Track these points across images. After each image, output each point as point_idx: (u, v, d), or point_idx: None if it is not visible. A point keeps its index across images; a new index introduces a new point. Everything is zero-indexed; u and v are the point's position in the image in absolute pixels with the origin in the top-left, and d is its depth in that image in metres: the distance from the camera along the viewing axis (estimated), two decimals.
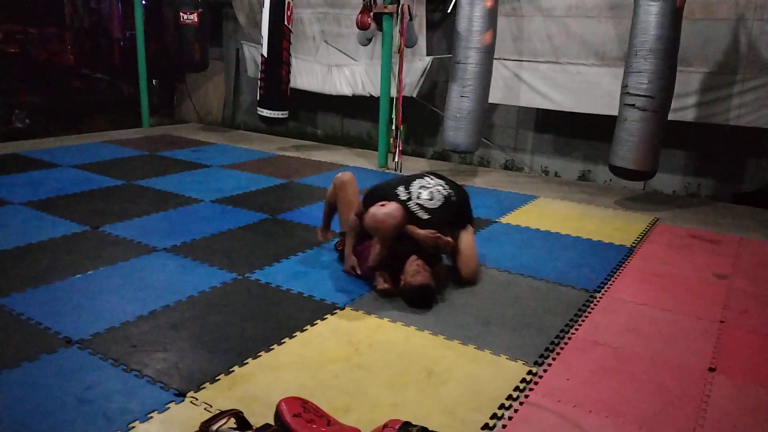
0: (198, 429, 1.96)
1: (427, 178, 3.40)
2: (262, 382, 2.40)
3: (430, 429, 1.92)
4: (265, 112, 6.87)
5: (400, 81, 6.05)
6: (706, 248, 4.18)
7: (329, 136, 8.18)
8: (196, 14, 7.71)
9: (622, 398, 2.37)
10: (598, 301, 3.26)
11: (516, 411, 2.27)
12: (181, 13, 7.70)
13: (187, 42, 7.89)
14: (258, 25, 7.86)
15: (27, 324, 2.79)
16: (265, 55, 6.67)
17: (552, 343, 2.79)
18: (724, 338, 2.89)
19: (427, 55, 6.81)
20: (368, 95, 7.25)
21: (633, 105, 4.71)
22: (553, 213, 4.92)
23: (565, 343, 2.79)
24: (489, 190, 5.56)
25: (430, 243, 3.16)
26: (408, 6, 5.95)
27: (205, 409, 2.21)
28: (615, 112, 4.99)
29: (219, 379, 2.40)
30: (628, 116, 4.76)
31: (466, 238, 3.40)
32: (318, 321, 2.93)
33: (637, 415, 2.27)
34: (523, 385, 2.44)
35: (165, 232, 4.09)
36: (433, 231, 3.14)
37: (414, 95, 6.89)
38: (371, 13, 6.03)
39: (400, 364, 2.57)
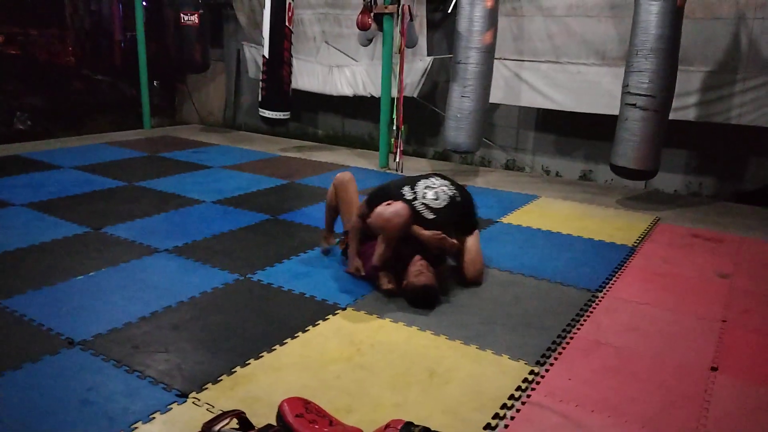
0: (200, 430, 1.96)
1: (432, 179, 3.40)
2: (264, 382, 2.41)
3: (432, 429, 1.92)
4: (267, 113, 6.87)
5: (400, 81, 6.05)
6: (707, 247, 4.17)
7: (330, 136, 8.18)
8: (196, 15, 7.72)
9: (624, 398, 2.37)
10: (599, 301, 3.26)
11: (518, 411, 2.27)
12: (182, 14, 7.71)
13: (187, 43, 7.90)
14: (259, 26, 7.87)
15: (29, 325, 2.80)
16: (267, 56, 6.68)
17: (554, 342, 2.79)
18: (726, 337, 2.89)
19: (428, 55, 6.81)
20: (369, 95, 7.25)
21: (634, 104, 4.71)
22: (554, 213, 4.92)
23: (567, 343, 2.79)
24: (490, 190, 5.56)
25: (435, 244, 3.16)
26: (408, 6, 5.95)
27: (207, 409, 2.21)
28: (616, 112, 4.98)
29: (221, 380, 2.41)
30: (629, 116, 4.76)
31: (472, 240, 3.40)
32: (320, 321, 2.93)
33: (639, 414, 2.27)
34: (525, 384, 2.44)
35: (166, 233, 4.10)
36: (438, 232, 3.14)
37: (415, 95, 6.89)
38: (372, 14, 6.03)
39: (402, 364, 2.58)
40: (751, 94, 5.10)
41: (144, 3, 8.03)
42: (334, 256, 3.77)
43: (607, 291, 3.40)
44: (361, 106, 7.74)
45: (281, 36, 6.62)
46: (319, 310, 3.04)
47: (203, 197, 5.01)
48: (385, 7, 5.95)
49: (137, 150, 6.85)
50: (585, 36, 5.75)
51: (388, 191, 3.30)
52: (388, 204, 3.10)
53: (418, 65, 6.78)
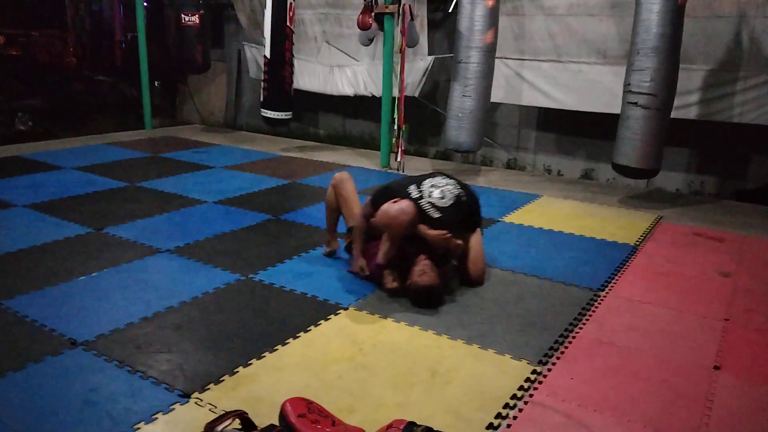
0: (203, 430, 1.96)
1: (437, 178, 3.39)
2: (266, 382, 2.41)
3: (435, 429, 1.92)
4: (269, 114, 6.88)
5: (401, 81, 6.05)
6: (710, 246, 4.17)
7: (331, 136, 8.18)
8: (197, 16, 7.72)
9: (627, 397, 2.37)
10: (602, 300, 3.26)
11: (520, 410, 2.27)
12: (183, 15, 7.71)
13: (188, 43, 7.90)
14: (259, 26, 7.87)
15: (32, 326, 2.80)
16: (268, 56, 6.68)
17: (556, 342, 2.79)
18: (729, 336, 2.89)
19: (429, 54, 6.80)
20: (370, 95, 7.25)
21: (635, 103, 4.70)
22: (556, 212, 4.92)
23: (570, 342, 2.79)
24: (492, 190, 5.55)
25: (440, 244, 3.16)
26: (409, 6, 5.95)
27: (209, 410, 2.21)
28: (617, 111, 4.98)
29: (223, 380, 2.41)
30: (630, 114, 4.76)
31: (474, 239, 3.40)
32: (322, 321, 2.93)
33: (642, 413, 2.26)
34: (528, 384, 2.44)
35: (168, 234, 4.10)
36: (444, 231, 3.14)
37: (416, 95, 6.89)
38: (372, 14, 6.03)
39: (404, 364, 2.57)
40: (753, 92, 5.10)
41: (145, 4, 8.04)
42: (336, 257, 3.77)
43: (609, 290, 3.39)
44: (362, 106, 7.74)
45: (282, 36, 6.62)
46: (321, 310, 3.04)
47: (205, 197, 5.01)
48: (386, 7, 5.95)
49: (138, 150, 6.86)
50: (586, 35, 5.74)
51: (394, 190, 3.29)
52: (394, 202, 3.10)
53: (419, 65, 6.78)
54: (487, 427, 2.16)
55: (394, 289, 3.20)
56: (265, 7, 6.71)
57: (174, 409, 2.22)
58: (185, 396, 2.29)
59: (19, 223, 4.25)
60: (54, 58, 9.51)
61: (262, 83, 6.91)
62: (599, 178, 6.33)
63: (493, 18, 5.45)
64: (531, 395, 2.36)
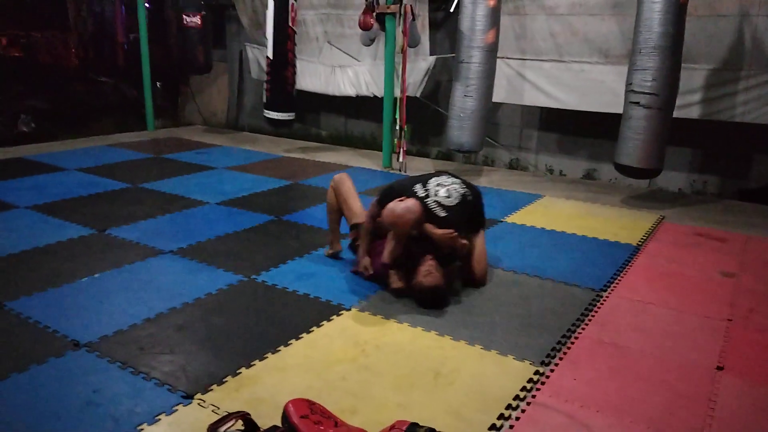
0: (206, 431, 1.97)
1: (443, 177, 3.39)
2: (268, 383, 2.41)
3: (437, 430, 1.92)
4: (272, 115, 6.87)
5: (403, 81, 6.04)
6: (712, 246, 4.16)
7: (333, 137, 8.19)
8: (199, 17, 7.73)
9: (630, 398, 2.37)
10: (604, 300, 3.26)
11: (523, 411, 2.26)
12: (184, 16, 7.72)
13: (190, 44, 7.91)
14: (261, 27, 7.88)
15: (35, 327, 2.80)
16: (271, 57, 6.68)
17: (558, 342, 2.79)
18: (732, 337, 2.88)
19: (431, 54, 6.80)
20: (372, 96, 7.25)
21: (638, 103, 4.70)
22: (558, 212, 4.91)
23: (572, 343, 2.79)
24: (494, 190, 5.55)
25: (447, 243, 3.15)
26: (411, 6, 5.95)
27: (212, 411, 2.22)
28: (619, 110, 4.97)
29: (226, 381, 2.41)
30: (632, 114, 4.75)
31: (478, 240, 3.40)
32: (324, 322, 2.93)
33: (645, 414, 2.26)
34: (530, 385, 2.44)
35: (171, 235, 4.11)
36: (450, 231, 3.13)
37: (417, 95, 6.89)
38: (374, 14, 6.03)
39: (407, 365, 2.58)
40: (755, 91, 5.09)
41: (146, 5, 8.05)
42: (339, 258, 3.77)
43: (612, 290, 3.39)
44: (363, 107, 7.74)
45: (285, 37, 6.62)
46: (323, 311, 3.05)
47: (207, 198, 5.01)
48: (388, 7, 5.95)
49: (141, 152, 6.87)
50: (588, 34, 5.74)
51: (400, 189, 3.28)
52: (401, 200, 3.10)
53: (420, 65, 6.78)
54: (490, 428, 2.16)
55: (400, 289, 3.20)
56: (266, 8, 6.71)
57: (177, 410, 2.23)
58: (188, 397, 2.30)
59: (22, 224, 4.26)
60: (56, 60, 9.52)
61: (265, 84, 6.91)
62: (601, 178, 6.32)
63: (494, 18, 5.45)
64: (533, 396, 2.36)
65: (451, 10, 6.52)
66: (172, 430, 2.13)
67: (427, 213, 3.13)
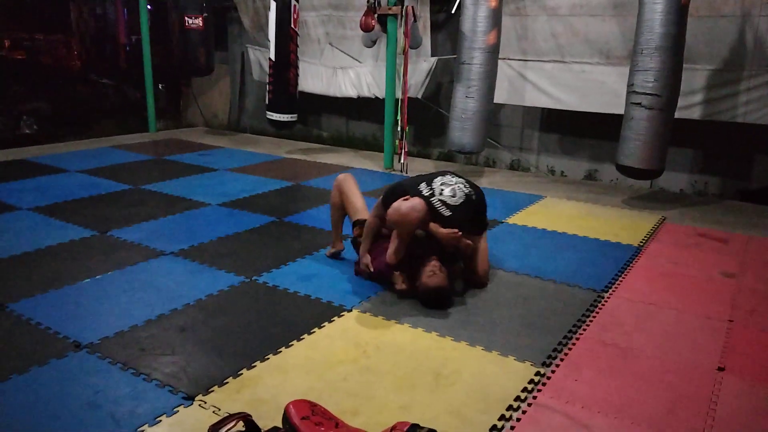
0: None
1: (447, 176, 3.39)
2: (270, 384, 2.41)
3: (438, 431, 1.92)
4: (275, 116, 6.88)
5: (404, 82, 6.05)
6: (713, 247, 4.16)
7: (335, 138, 8.19)
8: (200, 19, 7.74)
9: (631, 398, 2.36)
10: (605, 301, 3.25)
11: (524, 412, 2.26)
12: (186, 18, 7.73)
13: (192, 46, 7.92)
14: (263, 29, 7.90)
15: (36, 329, 2.81)
16: (273, 58, 6.69)
17: (560, 343, 2.78)
18: (733, 337, 2.88)
19: (432, 56, 6.81)
20: (373, 97, 7.26)
21: (639, 103, 4.70)
22: (559, 213, 4.91)
23: (573, 344, 2.79)
24: (495, 191, 5.55)
25: (451, 242, 3.15)
26: (412, 7, 5.96)
27: (213, 412, 2.22)
28: (621, 111, 4.97)
29: (227, 382, 2.41)
30: (634, 115, 4.75)
31: (480, 241, 3.39)
32: (325, 323, 2.93)
33: (646, 415, 2.26)
34: (531, 386, 2.43)
35: (172, 236, 4.11)
36: (455, 230, 3.13)
37: (419, 96, 6.89)
38: (375, 15, 6.04)
39: (408, 365, 2.57)
40: (757, 92, 5.08)
41: (149, 7, 8.06)
42: (340, 259, 3.77)
43: (613, 291, 3.39)
44: (365, 108, 7.75)
45: (287, 38, 6.63)
46: (324, 312, 3.05)
47: (209, 200, 5.02)
48: (389, 9, 5.95)
49: (143, 153, 6.88)
50: (589, 35, 5.74)
51: (404, 188, 3.28)
52: (405, 199, 3.10)
53: (422, 66, 6.79)
54: (491, 429, 2.16)
55: (404, 291, 3.20)
56: (268, 10, 6.72)
57: (178, 411, 2.23)
58: (189, 398, 2.30)
59: (24, 226, 4.27)
60: (58, 62, 9.55)
61: (267, 86, 6.92)
62: (603, 178, 6.32)
63: (495, 19, 5.45)
64: (534, 397, 2.36)
65: (453, 11, 6.52)
66: (172, 431, 2.13)
67: (432, 212, 3.12)
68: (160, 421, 2.17)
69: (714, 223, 4.70)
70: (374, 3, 6.01)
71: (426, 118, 7.21)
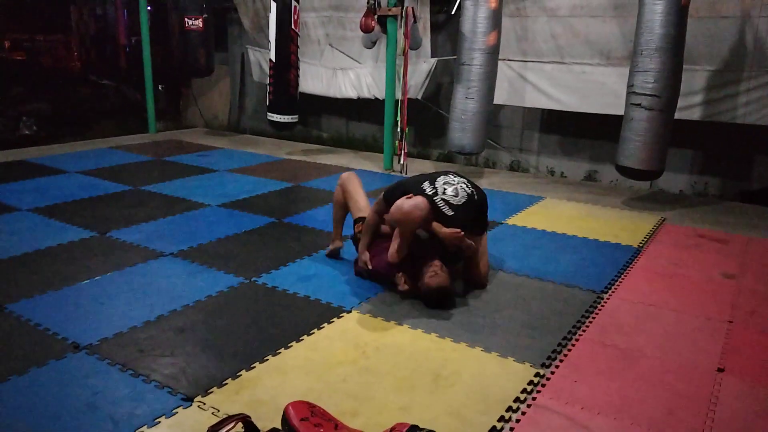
0: None
1: (450, 176, 3.38)
2: (269, 386, 2.41)
3: None
4: (276, 117, 6.88)
5: (404, 83, 6.05)
6: (713, 248, 4.15)
7: (335, 139, 8.19)
8: (200, 20, 7.75)
9: (630, 399, 2.36)
10: (605, 302, 3.25)
11: (523, 413, 2.26)
12: (186, 19, 7.74)
13: (192, 47, 7.93)
14: (263, 30, 7.90)
15: (35, 330, 2.81)
16: (274, 59, 6.69)
17: (559, 344, 2.78)
18: (733, 338, 2.87)
19: (432, 56, 6.81)
20: (373, 98, 7.26)
21: (639, 104, 4.70)
22: (559, 214, 4.91)
23: (573, 345, 2.78)
24: (495, 192, 5.54)
25: (454, 242, 3.14)
26: (412, 8, 5.96)
27: (212, 413, 2.22)
28: (621, 112, 4.97)
29: (226, 384, 2.41)
30: (634, 116, 4.75)
31: (481, 242, 3.39)
32: (325, 324, 2.93)
33: (646, 416, 2.26)
34: (531, 387, 2.43)
35: (172, 237, 4.11)
36: (457, 230, 3.13)
37: (419, 97, 6.89)
38: (375, 16, 6.04)
39: (408, 367, 2.57)
40: (757, 92, 5.08)
41: (149, 8, 8.06)
42: (339, 259, 3.77)
43: (613, 292, 3.38)
44: (365, 109, 7.75)
45: (288, 39, 6.63)
46: (324, 313, 3.04)
47: (208, 201, 5.02)
48: (389, 10, 5.95)
49: (142, 154, 6.88)
50: (589, 36, 5.74)
51: (407, 186, 3.27)
52: (408, 197, 3.09)
53: (422, 67, 6.79)
54: (490, 430, 2.16)
55: (406, 291, 3.20)
56: (268, 11, 6.72)
57: (177, 412, 2.22)
58: (188, 400, 2.30)
59: (24, 226, 4.27)
60: (58, 63, 9.56)
61: (268, 87, 6.92)
62: (603, 179, 6.32)
63: (495, 20, 5.45)
64: (534, 398, 2.36)
65: (453, 12, 6.52)
66: None
67: (434, 211, 3.12)
68: (159, 422, 2.17)
69: (714, 224, 4.70)
70: (374, 4, 6.01)
71: (426, 119, 7.21)
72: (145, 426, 2.14)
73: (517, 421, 2.22)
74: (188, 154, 6.99)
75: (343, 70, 7.47)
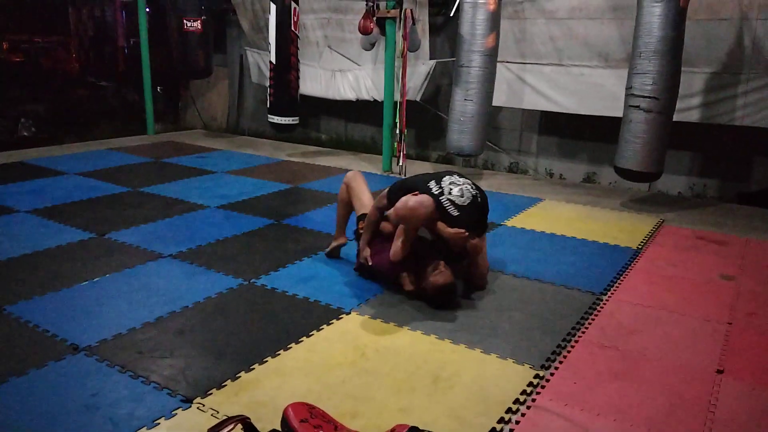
0: None
1: (455, 176, 3.39)
2: (268, 387, 2.40)
3: None
4: (276, 119, 6.87)
5: (403, 85, 6.06)
6: (712, 249, 4.16)
7: (333, 141, 8.20)
8: (199, 21, 7.75)
9: (630, 401, 2.36)
10: (604, 304, 3.25)
11: (523, 415, 2.26)
12: (185, 21, 7.74)
13: (191, 49, 7.92)
14: (261, 31, 7.90)
15: (34, 331, 2.80)
16: (274, 61, 6.69)
17: (559, 346, 2.78)
18: (732, 340, 2.88)
19: (431, 59, 6.82)
20: (372, 100, 7.26)
21: (638, 106, 4.70)
22: (558, 215, 4.91)
23: (572, 346, 2.78)
24: (494, 193, 5.54)
25: (458, 242, 3.14)
26: (411, 10, 5.97)
27: (211, 415, 2.21)
28: (619, 114, 4.98)
29: (226, 385, 2.41)
30: (632, 118, 4.76)
31: (482, 243, 3.39)
32: (324, 326, 2.93)
33: (645, 417, 2.26)
34: (530, 388, 2.43)
35: (171, 239, 4.11)
36: (462, 230, 3.12)
37: (418, 99, 6.90)
38: (374, 18, 6.05)
39: (407, 368, 2.57)
40: (755, 95, 5.09)
41: (147, 10, 8.07)
42: (338, 260, 3.77)
43: (612, 294, 3.39)
44: (364, 111, 7.75)
45: (287, 41, 6.63)
46: (323, 315, 3.04)
47: (207, 202, 5.01)
48: (388, 12, 5.96)
49: (141, 156, 6.87)
50: (588, 38, 5.74)
51: (413, 184, 3.27)
52: (414, 195, 3.09)
53: (420, 69, 6.79)
54: None
55: (412, 291, 3.20)
56: (267, 13, 6.72)
57: (176, 414, 2.22)
58: (187, 401, 2.29)
59: (22, 228, 4.26)
60: (57, 64, 9.56)
61: (268, 89, 6.91)
62: (601, 181, 6.33)
63: (494, 22, 5.46)
64: (533, 400, 2.36)
65: (451, 14, 6.53)
66: None
67: (440, 211, 3.12)
68: (159, 423, 2.16)
69: (713, 226, 4.70)
70: (373, 6, 6.02)
71: (425, 121, 7.22)
72: (145, 427, 2.14)
73: (517, 422, 2.21)
74: (187, 155, 6.98)
75: (341, 72, 7.47)
